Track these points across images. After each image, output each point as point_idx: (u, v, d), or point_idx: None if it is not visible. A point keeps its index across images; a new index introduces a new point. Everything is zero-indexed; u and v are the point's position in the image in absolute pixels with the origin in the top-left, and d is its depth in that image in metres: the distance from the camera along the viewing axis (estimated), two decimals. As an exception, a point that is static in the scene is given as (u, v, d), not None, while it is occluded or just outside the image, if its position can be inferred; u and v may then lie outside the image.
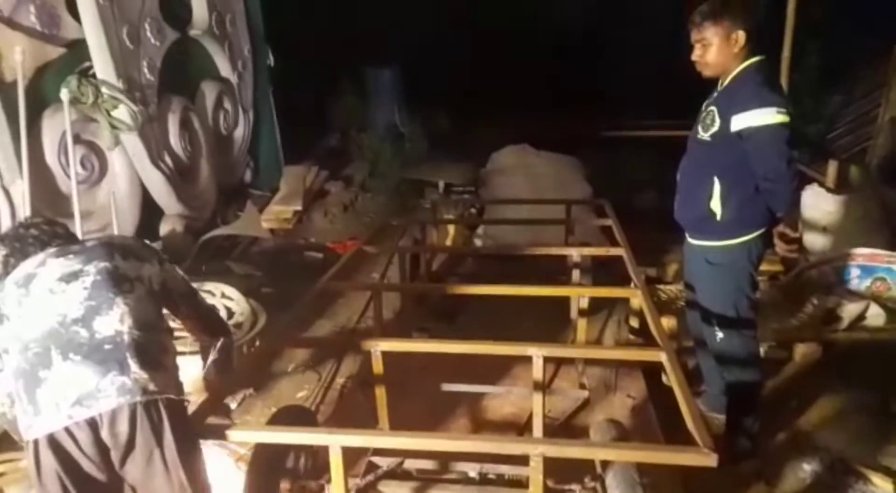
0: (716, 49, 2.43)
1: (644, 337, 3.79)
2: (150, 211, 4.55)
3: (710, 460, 1.62)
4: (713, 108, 2.48)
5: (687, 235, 2.74)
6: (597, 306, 4.07)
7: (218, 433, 1.76)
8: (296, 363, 3.59)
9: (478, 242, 5.14)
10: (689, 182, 2.63)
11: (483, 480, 2.19)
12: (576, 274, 3.39)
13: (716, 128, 2.43)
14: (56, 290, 1.64)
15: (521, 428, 2.77)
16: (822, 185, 4.68)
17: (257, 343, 3.33)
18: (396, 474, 2.21)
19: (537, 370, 2.24)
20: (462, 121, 8.28)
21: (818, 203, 4.55)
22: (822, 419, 3.01)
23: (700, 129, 2.53)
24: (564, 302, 3.81)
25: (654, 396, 3.10)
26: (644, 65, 7.67)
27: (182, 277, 1.99)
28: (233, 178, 6.05)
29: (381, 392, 2.38)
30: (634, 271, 2.84)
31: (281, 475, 2.10)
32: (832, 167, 4.68)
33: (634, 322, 3.84)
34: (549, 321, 3.65)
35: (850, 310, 3.19)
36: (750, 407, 2.68)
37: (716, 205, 2.48)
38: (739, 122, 2.34)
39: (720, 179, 2.46)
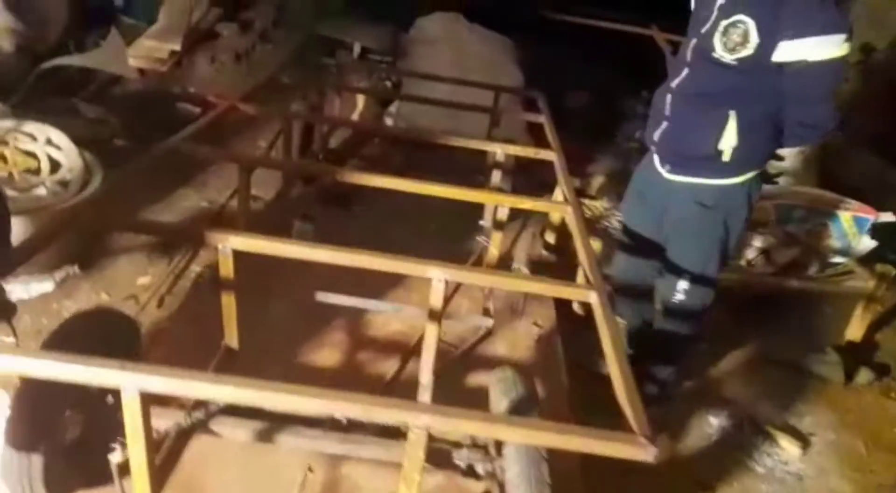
0: None
1: (560, 255, 3.41)
2: (-35, 18, 3.49)
3: (647, 453, 1.21)
4: (745, 18, 1.80)
5: (666, 170, 2.17)
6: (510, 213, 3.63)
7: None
8: (142, 240, 2.91)
9: (388, 122, 4.46)
10: (689, 111, 2.03)
11: (352, 425, 1.72)
12: (496, 176, 2.86)
13: (749, 51, 1.80)
14: None
15: (408, 352, 2.31)
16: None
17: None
18: (237, 410, 1.69)
19: (436, 296, 1.75)
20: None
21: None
22: (732, 368, 2.79)
23: (718, 44, 1.87)
24: (478, 204, 3.32)
25: (562, 325, 2.74)
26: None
27: None
28: (96, -4, 4.88)
29: (229, 301, 1.81)
30: (567, 181, 2.33)
31: (67, 406, 1.52)
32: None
33: (550, 238, 3.43)
34: (459, 223, 3.17)
35: (782, 253, 2.90)
36: (675, 359, 2.35)
37: (727, 143, 1.94)
38: (790, 51, 1.74)
39: (739, 114, 1.91)
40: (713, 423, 2.44)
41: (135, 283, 2.63)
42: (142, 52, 4.60)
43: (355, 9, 6.51)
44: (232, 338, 1.86)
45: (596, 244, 2.73)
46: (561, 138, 3.14)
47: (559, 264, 3.39)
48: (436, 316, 1.79)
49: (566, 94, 5.55)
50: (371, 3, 6.69)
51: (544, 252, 3.43)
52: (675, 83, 2.05)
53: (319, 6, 6.46)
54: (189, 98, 4.44)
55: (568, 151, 2.99)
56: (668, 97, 2.07)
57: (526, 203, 2.22)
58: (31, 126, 2.79)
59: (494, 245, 2.36)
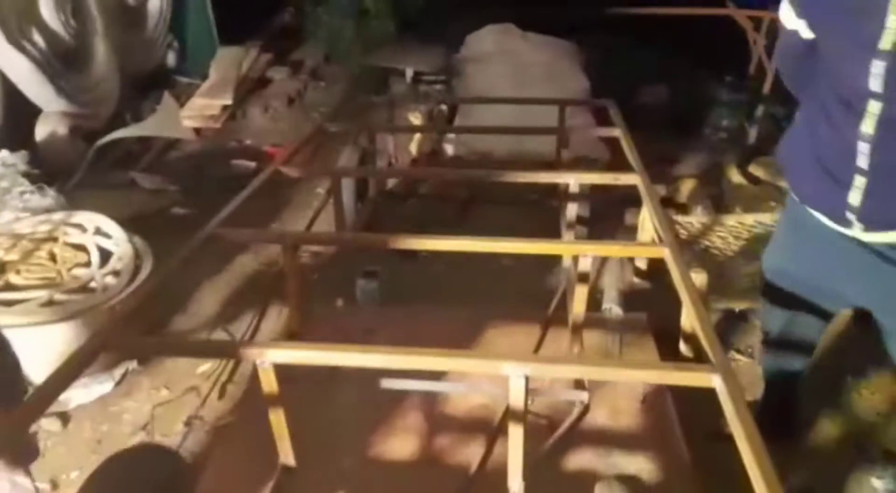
0: None
1: (654, 283, 3.01)
2: (20, 108, 3.50)
3: None
4: None
5: (862, 229, 1.55)
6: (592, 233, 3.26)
7: None
8: (200, 318, 2.77)
9: (448, 149, 4.20)
10: None
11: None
12: (571, 209, 2.50)
13: None
14: None
15: (492, 431, 2.00)
16: None
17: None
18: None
19: (516, 395, 1.43)
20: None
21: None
22: (877, 401, 2.30)
23: None
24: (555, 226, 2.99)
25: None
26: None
27: None
28: (148, 62, 4.91)
29: (277, 417, 1.57)
30: (658, 213, 1.94)
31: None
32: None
33: (642, 263, 3.05)
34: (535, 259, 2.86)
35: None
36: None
37: None
38: None
39: None
40: (878, 487, 1.98)
41: (194, 372, 2.46)
42: (195, 112, 4.57)
43: (403, 33, 6.33)
44: (287, 456, 1.62)
45: (699, 278, 2.31)
46: (641, 138, 2.75)
47: (654, 292, 3.00)
48: (518, 416, 1.47)
49: (640, 89, 5.10)
50: (419, 26, 6.50)
51: (636, 279, 3.04)
52: (862, 128, 1.44)
53: (367, 36, 6.31)
54: (244, 153, 4.33)
55: (650, 152, 2.62)
56: (861, 146, 1.46)
57: (613, 249, 1.89)
58: (81, 216, 2.70)
59: (580, 300, 2.00)
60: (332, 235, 2.41)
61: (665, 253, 1.79)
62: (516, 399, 1.44)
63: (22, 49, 3.34)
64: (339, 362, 1.45)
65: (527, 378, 1.41)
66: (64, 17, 3.68)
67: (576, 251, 1.88)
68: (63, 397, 2.33)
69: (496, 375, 1.48)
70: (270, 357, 1.44)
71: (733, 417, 1.24)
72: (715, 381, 1.32)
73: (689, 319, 1.61)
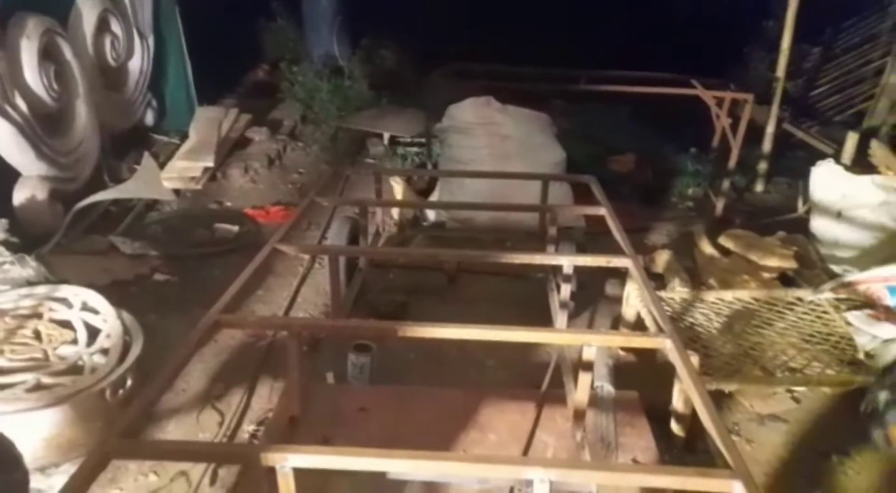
0: None
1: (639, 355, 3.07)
2: (-1, 173, 3.44)
3: None
4: None
5: None
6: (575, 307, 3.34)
7: None
8: (188, 396, 2.70)
9: (430, 215, 4.25)
10: None
11: None
12: (565, 290, 2.57)
13: None
14: None
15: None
16: (837, 160, 3.98)
17: (126, 385, 2.39)
18: None
19: (539, 497, 1.45)
20: (413, 58, 7.21)
21: (833, 183, 3.87)
22: (863, 480, 2.37)
23: None
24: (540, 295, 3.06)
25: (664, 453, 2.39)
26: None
27: None
28: (127, 121, 4.88)
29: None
30: (657, 306, 2.01)
31: None
32: (851, 141, 3.97)
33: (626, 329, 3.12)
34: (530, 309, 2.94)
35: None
36: None
37: None
38: None
39: None
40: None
41: (185, 455, 2.39)
42: (175, 173, 4.53)
43: (381, 93, 6.47)
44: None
45: (692, 359, 2.38)
46: (612, 205, 2.88)
47: (641, 363, 3.07)
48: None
49: (610, 158, 5.32)
50: (396, 87, 6.66)
51: (622, 352, 3.10)
52: None
53: (345, 94, 6.42)
54: (224, 216, 4.31)
55: (621, 220, 2.74)
56: None
57: (616, 339, 1.94)
58: (66, 290, 2.64)
59: (583, 389, 2.04)
60: (337, 322, 2.39)
61: (667, 345, 1.86)
62: (539, 502, 1.45)
63: (4, 114, 3.29)
64: (364, 466, 1.44)
65: (551, 483, 1.43)
66: (47, 81, 3.65)
67: (579, 342, 1.93)
68: (45, 484, 2.25)
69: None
70: (292, 462, 1.43)
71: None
72: (736, 488, 1.36)
73: (699, 413, 1.65)
